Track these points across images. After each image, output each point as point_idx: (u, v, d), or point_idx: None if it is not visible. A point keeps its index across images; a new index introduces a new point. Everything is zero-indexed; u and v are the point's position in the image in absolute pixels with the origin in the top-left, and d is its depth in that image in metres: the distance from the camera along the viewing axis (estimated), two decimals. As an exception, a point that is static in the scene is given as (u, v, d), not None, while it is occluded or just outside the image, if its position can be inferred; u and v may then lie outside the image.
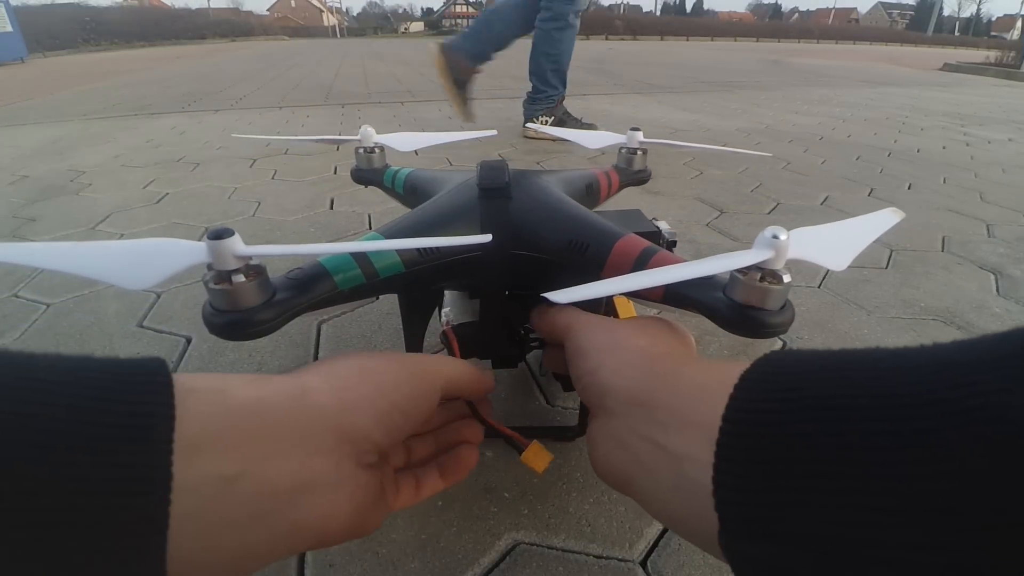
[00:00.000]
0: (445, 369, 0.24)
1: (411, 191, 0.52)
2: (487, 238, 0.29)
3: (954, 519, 0.10)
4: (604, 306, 0.37)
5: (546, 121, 1.72)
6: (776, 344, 0.61)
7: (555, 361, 0.31)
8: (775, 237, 0.24)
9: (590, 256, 0.33)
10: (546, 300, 0.27)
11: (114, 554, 0.12)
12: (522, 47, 1.76)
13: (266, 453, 0.16)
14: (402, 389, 0.21)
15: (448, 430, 0.27)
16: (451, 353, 0.37)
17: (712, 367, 0.19)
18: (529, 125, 1.58)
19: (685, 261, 0.28)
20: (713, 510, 0.14)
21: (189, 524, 0.13)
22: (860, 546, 0.11)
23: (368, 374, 0.20)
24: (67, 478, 0.11)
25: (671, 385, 0.19)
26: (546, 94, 1.72)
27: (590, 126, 1.74)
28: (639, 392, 0.20)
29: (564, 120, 1.74)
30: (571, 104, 1.86)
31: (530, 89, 1.74)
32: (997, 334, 0.12)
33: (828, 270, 0.75)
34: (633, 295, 0.33)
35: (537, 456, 0.26)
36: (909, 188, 1.26)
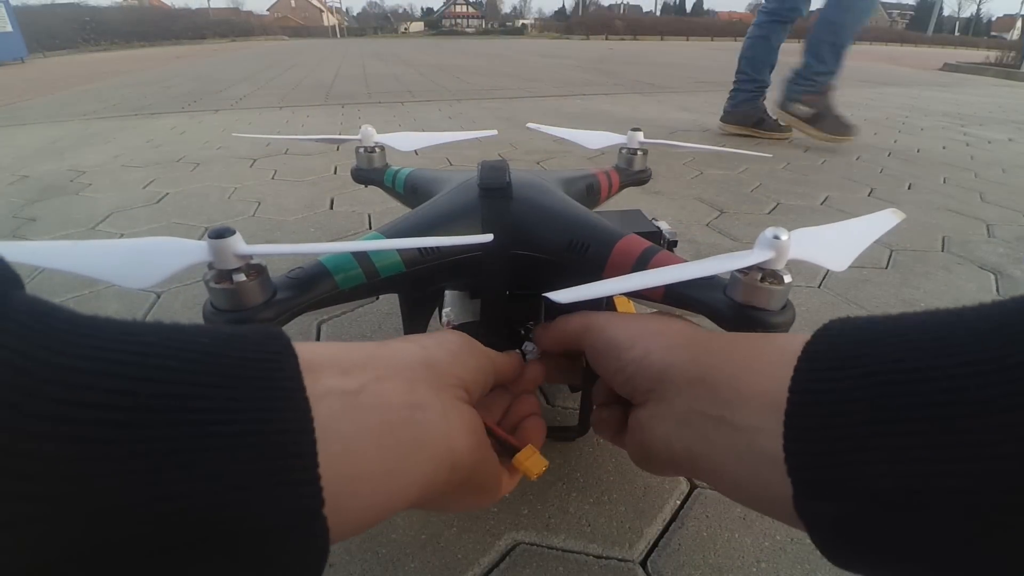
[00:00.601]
0: (492, 352, 0.25)
1: (411, 191, 0.52)
2: (488, 238, 0.29)
3: (1012, 463, 0.11)
4: (605, 306, 0.37)
5: (802, 110, 1.52)
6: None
7: (558, 372, 0.31)
8: (776, 237, 0.24)
9: (591, 256, 0.33)
10: (547, 299, 0.27)
11: (272, 461, 0.13)
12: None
13: (375, 376, 0.17)
14: (463, 341, 0.23)
15: (510, 416, 0.28)
16: None
17: (768, 341, 0.19)
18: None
19: (686, 261, 0.28)
20: (786, 476, 0.15)
21: (328, 435, 0.14)
22: (925, 494, 0.12)
23: (430, 335, 0.23)
24: (221, 404, 0.12)
25: (729, 361, 0.19)
26: (813, 70, 1.51)
27: (851, 128, 1.55)
28: (698, 370, 0.20)
29: (823, 115, 1.54)
30: (571, 104, 1.85)
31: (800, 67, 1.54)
32: None
33: (828, 270, 0.75)
34: (634, 295, 0.33)
35: (530, 460, 0.25)
36: (909, 188, 1.26)
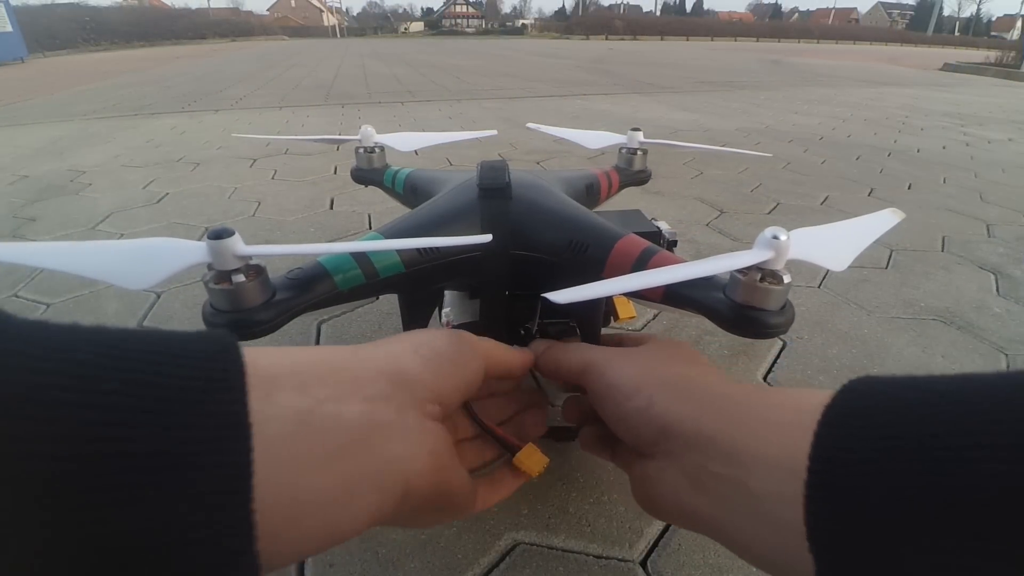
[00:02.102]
0: (485, 343, 0.24)
1: (411, 191, 0.52)
2: (487, 238, 0.29)
3: None
4: (605, 306, 0.37)
5: None
6: (776, 344, 0.61)
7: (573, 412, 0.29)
8: (775, 237, 0.24)
9: (590, 256, 0.33)
10: (546, 300, 0.27)
11: (202, 500, 0.12)
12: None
13: (333, 394, 0.16)
14: (445, 343, 0.21)
15: (510, 425, 0.27)
16: None
17: (783, 398, 0.18)
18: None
19: (685, 261, 0.28)
20: (807, 552, 0.14)
21: (271, 462, 0.13)
22: None
23: (411, 335, 0.22)
24: (150, 429, 0.12)
25: (742, 419, 0.19)
26: None
27: None
28: (707, 428, 0.19)
29: None
30: (571, 104, 1.85)
31: None
32: None
33: (828, 270, 0.75)
34: (633, 295, 0.33)
35: (531, 458, 0.24)
36: (909, 188, 1.26)
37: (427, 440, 0.18)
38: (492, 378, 0.24)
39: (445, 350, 0.21)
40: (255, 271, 0.26)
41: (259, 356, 0.15)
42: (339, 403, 0.16)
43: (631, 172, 0.57)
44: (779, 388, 0.19)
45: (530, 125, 0.77)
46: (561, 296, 0.25)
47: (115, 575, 0.11)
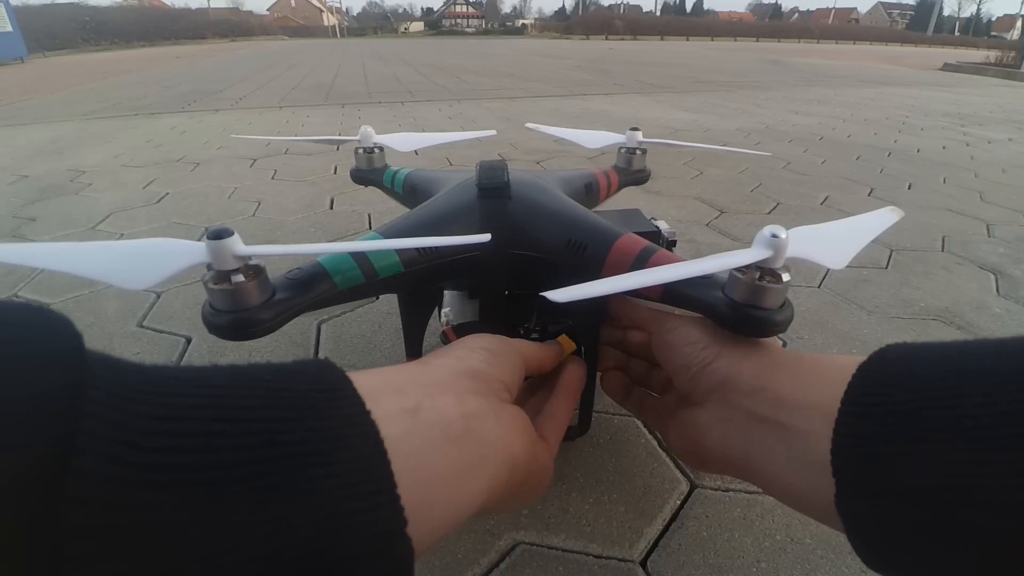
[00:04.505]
0: (518, 343, 0.26)
1: (411, 191, 0.52)
2: (486, 238, 0.29)
3: None
4: (604, 306, 0.37)
5: None
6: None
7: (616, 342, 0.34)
8: (774, 236, 0.24)
9: (589, 256, 0.33)
10: (545, 299, 0.27)
11: (354, 488, 0.13)
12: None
13: (427, 395, 0.18)
14: (494, 344, 0.24)
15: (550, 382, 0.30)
16: None
17: (830, 359, 0.21)
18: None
19: (684, 260, 0.28)
20: (831, 477, 0.17)
21: (396, 452, 0.14)
22: (966, 493, 0.14)
23: (463, 341, 0.24)
24: (301, 436, 0.13)
25: (795, 373, 0.21)
26: None
27: None
28: (763, 379, 0.22)
29: None
30: (571, 104, 1.85)
31: None
32: None
33: (828, 270, 0.75)
34: (632, 294, 0.33)
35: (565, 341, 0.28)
36: (909, 188, 1.26)
37: (517, 420, 0.21)
38: (529, 373, 0.26)
39: (497, 349, 0.24)
40: (254, 271, 0.26)
41: (352, 375, 0.16)
42: (435, 399, 0.18)
43: (630, 172, 0.57)
44: (828, 354, 0.21)
45: (529, 125, 0.77)
46: (560, 295, 0.25)
47: (281, 564, 0.11)
